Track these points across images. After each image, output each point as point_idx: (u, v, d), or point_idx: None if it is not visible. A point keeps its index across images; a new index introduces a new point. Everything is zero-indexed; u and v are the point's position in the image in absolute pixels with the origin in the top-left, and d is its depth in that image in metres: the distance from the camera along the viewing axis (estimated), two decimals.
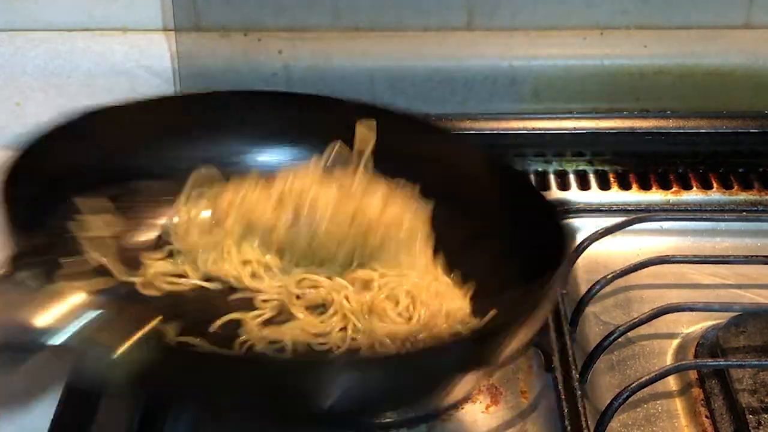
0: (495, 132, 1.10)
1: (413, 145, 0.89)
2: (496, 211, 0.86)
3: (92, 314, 0.63)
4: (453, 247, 0.86)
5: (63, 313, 0.62)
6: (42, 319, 0.62)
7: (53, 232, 0.81)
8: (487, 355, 0.70)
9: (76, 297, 0.64)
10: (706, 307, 0.88)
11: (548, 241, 0.78)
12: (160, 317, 0.65)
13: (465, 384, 0.77)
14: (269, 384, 0.66)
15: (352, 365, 0.69)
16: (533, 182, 1.08)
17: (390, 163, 0.89)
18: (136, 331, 0.63)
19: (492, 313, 0.77)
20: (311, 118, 0.93)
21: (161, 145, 0.91)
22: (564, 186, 1.10)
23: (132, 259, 0.84)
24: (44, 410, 0.78)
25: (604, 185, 1.10)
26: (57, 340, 0.62)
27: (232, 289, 0.84)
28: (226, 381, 0.66)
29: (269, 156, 0.94)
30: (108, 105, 0.87)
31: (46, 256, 0.78)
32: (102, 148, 0.87)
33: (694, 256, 0.96)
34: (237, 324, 0.80)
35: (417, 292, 0.81)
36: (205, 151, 0.92)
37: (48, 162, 0.82)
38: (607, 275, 0.91)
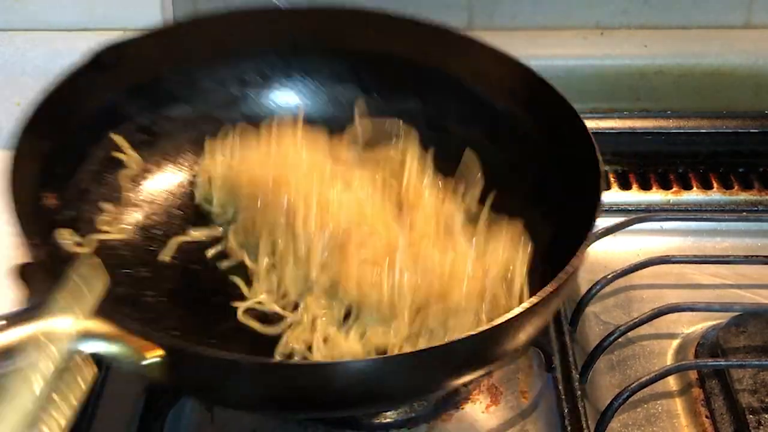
0: None
1: (441, 59, 0.93)
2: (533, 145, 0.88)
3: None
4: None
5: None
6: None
7: (92, 171, 0.84)
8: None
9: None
10: (707, 307, 0.88)
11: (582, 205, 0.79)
12: (161, 351, 0.62)
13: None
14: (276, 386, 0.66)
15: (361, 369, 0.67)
16: None
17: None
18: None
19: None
20: (337, 29, 0.94)
21: (188, 70, 0.92)
22: None
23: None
24: None
25: (604, 185, 1.09)
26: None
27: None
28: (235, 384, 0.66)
29: (301, 73, 0.95)
30: (127, 38, 0.88)
31: (85, 203, 0.81)
32: (129, 80, 0.87)
33: (695, 256, 0.96)
34: None
35: None
36: (234, 71, 0.93)
37: (77, 102, 0.83)
38: (608, 275, 0.91)
